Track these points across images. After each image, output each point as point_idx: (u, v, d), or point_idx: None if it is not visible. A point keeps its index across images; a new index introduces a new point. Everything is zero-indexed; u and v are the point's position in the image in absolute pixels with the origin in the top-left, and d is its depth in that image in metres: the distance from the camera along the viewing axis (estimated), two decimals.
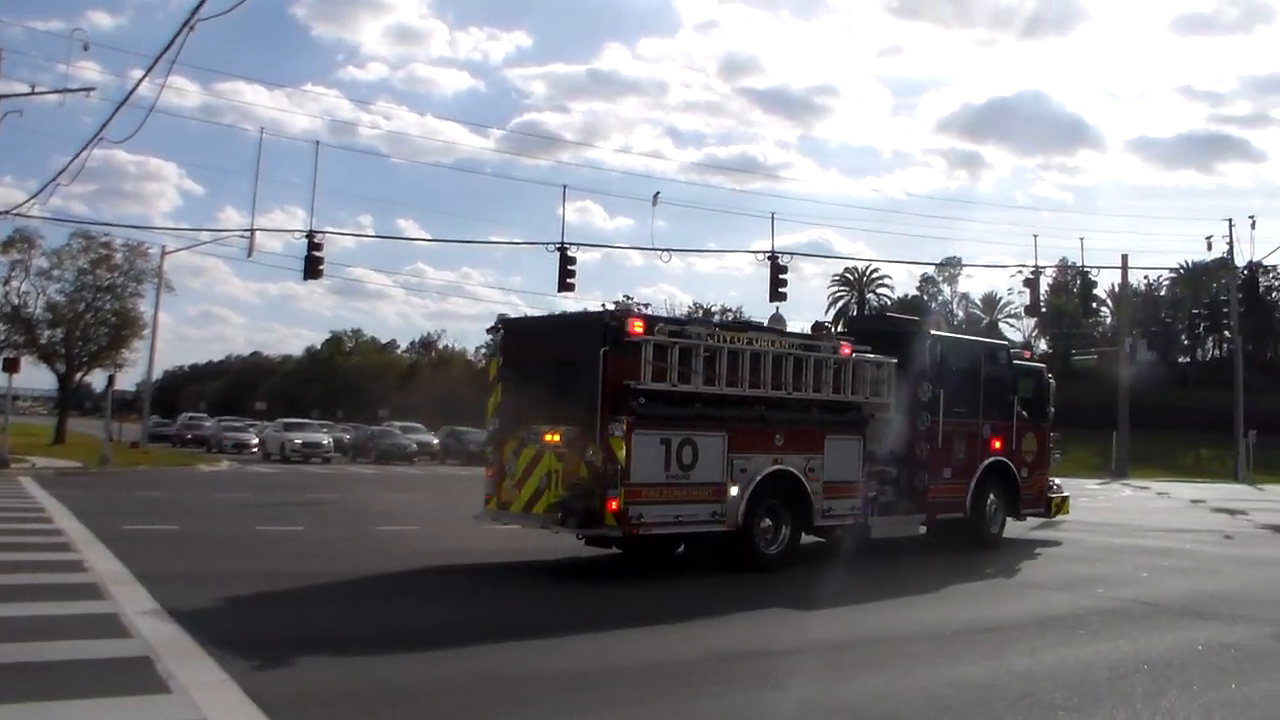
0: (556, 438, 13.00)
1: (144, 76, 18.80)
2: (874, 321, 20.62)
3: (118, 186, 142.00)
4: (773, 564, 13.96)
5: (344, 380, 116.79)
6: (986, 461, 17.62)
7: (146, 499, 21.31)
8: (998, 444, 17.89)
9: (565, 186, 55.20)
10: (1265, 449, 63.06)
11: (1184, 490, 42.41)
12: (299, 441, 48.72)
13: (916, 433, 16.42)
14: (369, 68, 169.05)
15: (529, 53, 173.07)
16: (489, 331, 15.14)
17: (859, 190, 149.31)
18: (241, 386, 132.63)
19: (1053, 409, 19.72)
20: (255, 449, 53.34)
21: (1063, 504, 19.91)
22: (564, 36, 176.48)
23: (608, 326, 12.77)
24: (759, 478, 13.77)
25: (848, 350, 15.12)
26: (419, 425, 58.35)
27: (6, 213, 31.71)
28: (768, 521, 14.08)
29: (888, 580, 13.42)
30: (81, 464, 36.47)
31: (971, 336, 19.82)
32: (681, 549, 14.60)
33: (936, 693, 7.63)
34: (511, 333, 14.89)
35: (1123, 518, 24.29)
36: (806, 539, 14.99)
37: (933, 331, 17.87)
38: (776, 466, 14.02)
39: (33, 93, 29.29)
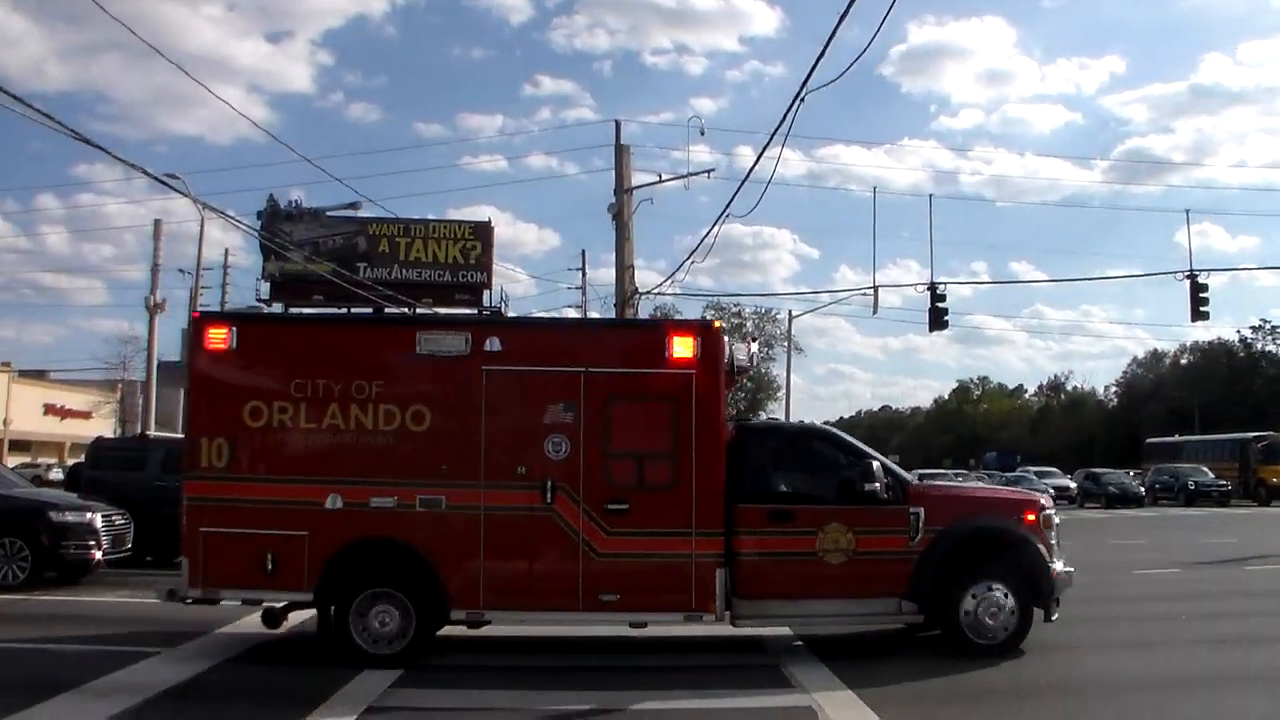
0: None
1: (761, 153, 20.04)
2: None
3: (737, 258, 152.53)
4: None
5: (972, 428, 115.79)
6: None
7: None
8: None
9: (1188, 211, 51.12)
10: None
11: None
12: None
13: None
14: (962, 115, 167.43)
15: (1123, 78, 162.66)
16: None
17: None
18: (873, 440, 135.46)
19: None
20: None
21: None
22: (1156, 55, 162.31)
23: None
24: None
25: None
26: (1054, 470, 56.91)
27: (647, 293, 34.90)
28: None
29: None
30: None
31: None
32: None
33: None
34: None
35: None
36: None
37: None
38: None
39: (659, 181, 31.58)
